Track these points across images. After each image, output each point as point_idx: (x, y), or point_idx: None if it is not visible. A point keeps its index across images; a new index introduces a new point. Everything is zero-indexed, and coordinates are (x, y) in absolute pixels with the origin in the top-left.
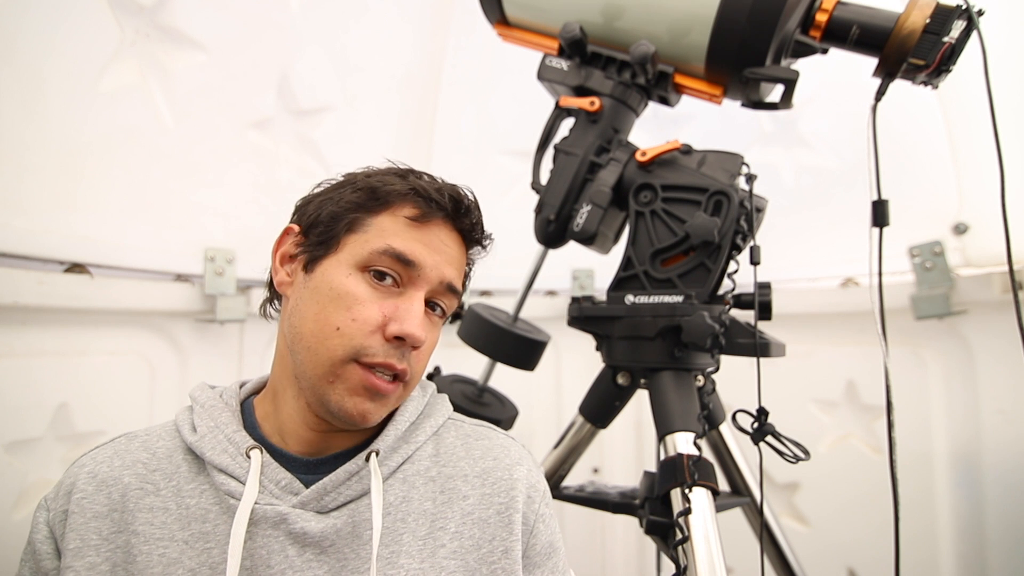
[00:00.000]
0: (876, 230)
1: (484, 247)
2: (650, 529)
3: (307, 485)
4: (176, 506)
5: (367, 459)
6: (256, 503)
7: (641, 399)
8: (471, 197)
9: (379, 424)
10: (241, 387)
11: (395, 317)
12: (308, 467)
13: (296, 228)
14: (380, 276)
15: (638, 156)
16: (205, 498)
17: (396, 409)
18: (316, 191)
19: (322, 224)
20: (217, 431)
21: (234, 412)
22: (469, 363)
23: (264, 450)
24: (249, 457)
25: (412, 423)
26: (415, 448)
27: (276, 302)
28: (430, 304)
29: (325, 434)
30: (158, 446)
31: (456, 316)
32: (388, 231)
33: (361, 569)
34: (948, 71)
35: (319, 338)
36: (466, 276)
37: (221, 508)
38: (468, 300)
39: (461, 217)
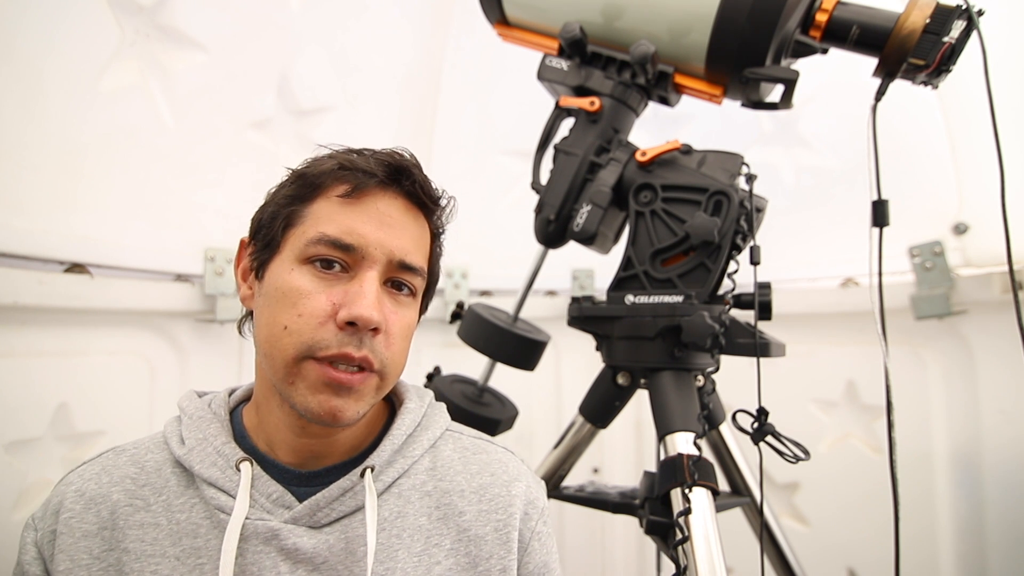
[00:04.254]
0: (876, 230)
1: (440, 208)
2: (650, 529)
3: (299, 498)
4: (167, 521)
5: (361, 475)
6: (247, 518)
7: (641, 399)
8: (408, 157)
9: (374, 433)
10: (230, 394)
11: (344, 302)
12: (300, 479)
13: (247, 239)
14: (327, 264)
15: (638, 156)
16: (195, 512)
17: (392, 420)
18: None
19: (264, 227)
20: (206, 443)
21: (223, 423)
22: (469, 363)
23: (254, 462)
24: (239, 470)
25: (409, 435)
26: (411, 462)
27: (251, 318)
28: (394, 283)
29: (315, 440)
30: (147, 459)
31: (456, 316)
32: (322, 217)
33: None
34: (948, 71)
35: (271, 341)
36: (434, 249)
37: (212, 523)
38: (468, 300)
39: (401, 180)
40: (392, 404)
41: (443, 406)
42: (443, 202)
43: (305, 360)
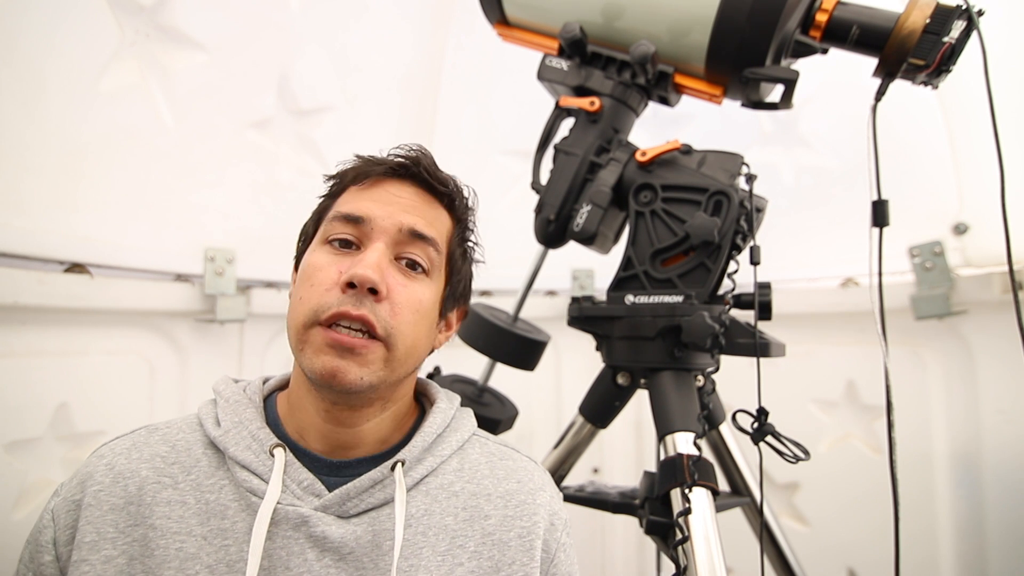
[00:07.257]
0: (876, 230)
1: (450, 192)
2: (650, 529)
3: (328, 487)
4: (195, 500)
5: (392, 468)
6: (278, 503)
7: (641, 399)
8: (417, 150)
9: (403, 430)
10: (264, 383)
11: (349, 268)
12: (331, 468)
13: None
14: (345, 244)
15: (638, 156)
16: (225, 494)
17: (424, 419)
18: None
19: (310, 224)
20: (241, 427)
21: (258, 408)
22: (469, 363)
23: (287, 449)
24: (273, 455)
25: (439, 435)
26: (440, 461)
27: None
28: (406, 261)
29: (342, 428)
30: (178, 439)
31: None
32: (341, 203)
33: None
34: (948, 71)
35: (291, 314)
36: (455, 234)
37: (241, 505)
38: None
39: (409, 170)
40: (422, 405)
41: (471, 411)
42: (456, 189)
43: (313, 326)
